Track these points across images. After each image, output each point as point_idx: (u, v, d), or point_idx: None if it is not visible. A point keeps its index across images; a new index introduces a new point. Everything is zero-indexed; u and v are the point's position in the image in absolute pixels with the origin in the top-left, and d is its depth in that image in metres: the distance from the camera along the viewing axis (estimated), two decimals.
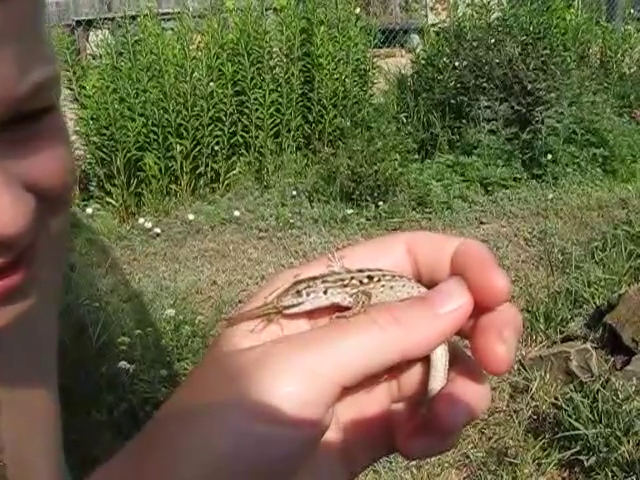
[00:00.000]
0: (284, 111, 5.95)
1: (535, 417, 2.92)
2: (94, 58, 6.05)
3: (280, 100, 5.93)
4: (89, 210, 5.42)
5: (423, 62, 6.67)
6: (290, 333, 0.42)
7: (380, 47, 7.55)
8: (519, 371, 3.15)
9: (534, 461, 2.63)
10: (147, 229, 5.15)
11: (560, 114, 5.66)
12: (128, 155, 5.39)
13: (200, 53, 5.63)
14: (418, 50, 6.87)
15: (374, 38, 6.68)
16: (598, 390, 2.75)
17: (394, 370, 0.44)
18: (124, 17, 5.57)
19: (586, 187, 5.43)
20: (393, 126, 5.87)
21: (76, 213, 5.39)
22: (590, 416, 2.65)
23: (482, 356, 0.41)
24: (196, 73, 5.58)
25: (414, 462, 2.61)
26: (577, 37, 7.14)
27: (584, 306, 3.55)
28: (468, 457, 2.71)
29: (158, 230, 5.15)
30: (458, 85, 6.10)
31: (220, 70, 5.69)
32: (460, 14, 6.71)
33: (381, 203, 5.18)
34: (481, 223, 5.03)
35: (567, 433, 2.66)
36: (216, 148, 5.71)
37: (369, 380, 0.42)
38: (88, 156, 5.63)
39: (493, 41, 6.04)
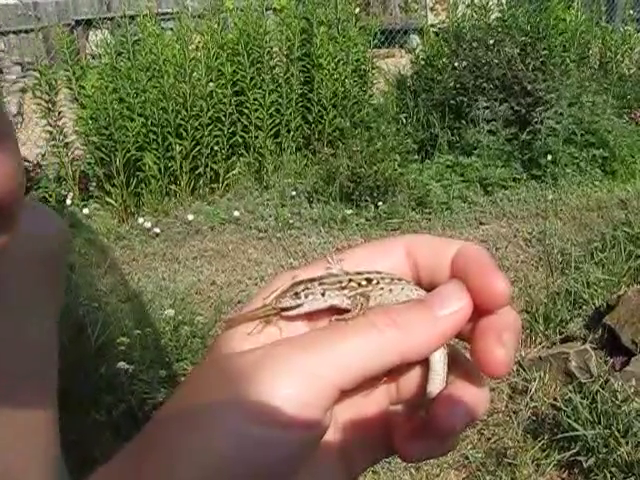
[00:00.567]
0: (284, 111, 5.95)
1: (534, 418, 2.91)
2: (93, 58, 6.05)
3: (280, 100, 5.93)
4: (88, 210, 5.42)
5: (423, 62, 6.68)
6: (289, 335, 0.43)
7: (380, 47, 7.56)
8: (518, 372, 3.15)
9: (533, 462, 2.63)
10: (146, 229, 5.15)
11: (560, 115, 5.66)
12: (127, 155, 5.39)
13: (199, 53, 5.63)
14: (418, 50, 6.87)
15: (374, 38, 6.68)
16: (597, 391, 2.75)
17: (393, 372, 0.44)
18: (123, 17, 5.57)
19: (585, 188, 5.44)
20: (393, 126, 5.88)
21: (75, 213, 5.39)
22: (589, 417, 2.65)
23: (481, 359, 0.41)
24: (195, 73, 5.58)
25: (413, 463, 2.61)
26: (577, 38, 7.14)
27: (583, 307, 3.55)
28: (467, 458, 2.71)
29: (157, 230, 5.15)
30: (458, 86, 6.11)
31: (220, 70, 5.69)
32: (460, 14, 6.71)
33: (381, 204, 5.18)
34: (480, 224, 5.04)
35: (566, 434, 2.66)
36: (215, 148, 5.71)
37: (368, 382, 0.42)
38: (87, 156, 5.63)
39: (492, 42, 6.04)
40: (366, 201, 5.24)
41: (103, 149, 5.41)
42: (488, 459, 2.70)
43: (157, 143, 5.46)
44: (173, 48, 5.61)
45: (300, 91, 6.03)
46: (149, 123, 5.42)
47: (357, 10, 6.63)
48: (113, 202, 5.44)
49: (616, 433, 2.52)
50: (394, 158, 5.37)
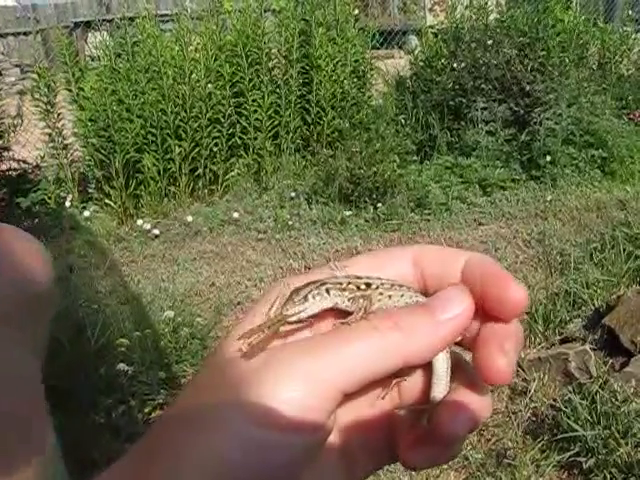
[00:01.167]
0: (283, 113, 5.95)
1: (534, 419, 2.91)
2: (92, 60, 6.04)
3: (279, 102, 5.93)
4: (87, 212, 5.42)
5: (421, 64, 6.68)
6: (292, 341, 0.43)
7: (378, 48, 7.56)
8: (518, 373, 3.14)
9: (533, 463, 2.63)
10: (146, 231, 5.15)
11: (558, 115, 5.66)
12: (126, 157, 5.39)
13: (198, 55, 5.63)
14: (416, 52, 6.87)
15: (372, 40, 6.69)
16: (597, 392, 2.75)
17: (396, 376, 0.45)
18: (122, 19, 5.57)
19: (584, 188, 5.44)
20: (392, 128, 5.87)
21: (75, 215, 5.39)
22: (589, 418, 2.65)
23: (483, 367, 0.42)
24: (194, 75, 5.58)
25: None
26: (575, 38, 7.14)
27: (583, 307, 3.55)
28: (467, 459, 2.71)
29: (157, 232, 5.15)
30: (456, 87, 6.11)
31: (218, 72, 5.69)
32: (458, 16, 6.71)
33: (380, 205, 5.18)
34: (480, 224, 5.04)
35: (566, 435, 2.66)
36: (215, 150, 5.71)
37: (371, 386, 0.42)
38: (86, 158, 5.62)
39: (491, 42, 6.04)
40: (365, 202, 5.24)
41: (102, 151, 5.41)
42: (488, 460, 2.70)
43: (156, 145, 5.46)
44: (172, 50, 5.61)
45: (299, 92, 6.03)
46: (148, 125, 5.42)
47: (356, 11, 6.63)
48: (112, 204, 5.44)
49: (616, 434, 2.52)
50: (393, 159, 5.37)
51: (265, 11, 6.08)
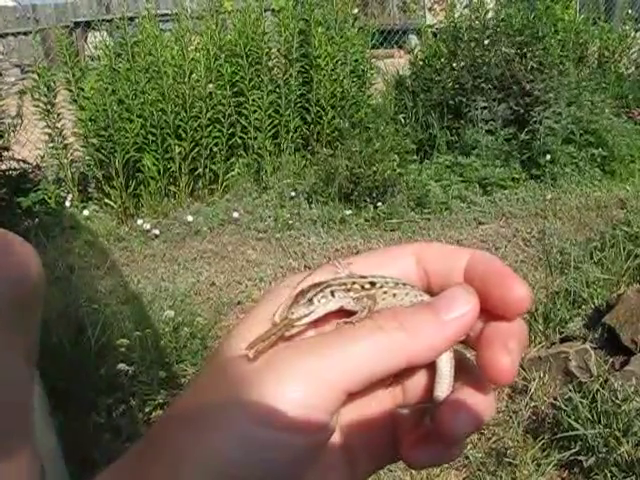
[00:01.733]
0: (282, 112, 5.95)
1: (534, 417, 2.91)
2: (92, 60, 6.04)
3: (278, 101, 5.93)
4: (88, 212, 5.42)
5: (421, 63, 6.68)
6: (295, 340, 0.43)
7: (378, 48, 7.56)
8: (518, 372, 3.14)
9: (533, 461, 2.63)
10: (146, 230, 5.15)
11: (558, 114, 5.66)
12: (127, 156, 5.39)
13: (198, 54, 5.62)
14: (416, 51, 6.87)
15: (372, 39, 6.69)
16: (597, 390, 2.75)
17: (400, 376, 0.45)
18: (122, 18, 5.56)
19: (584, 187, 5.44)
20: (391, 127, 5.87)
21: (75, 215, 5.39)
22: (589, 416, 2.65)
23: (486, 366, 0.42)
24: (194, 74, 5.58)
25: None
26: (575, 37, 7.14)
27: (583, 306, 3.55)
28: (467, 458, 2.71)
29: (157, 231, 5.15)
30: (456, 86, 6.11)
31: (218, 71, 5.69)
32: (458, 15, 6.70)
33: (380, 204, 5.18)
34: (480, 223, 5.04)
35: (566, 433, 2.66)
36: (215, 149, 5.71)
37: (375, 385, 0.42)
38: (87, 158, 5.62)
39: (490, 41, 6.04)
40: (365, 201, 5.24)
41: (102, 150, 5.41)
42: (488, 459, 2.70)
43: (156, 144, 5.46)
44: (172, 49, 5.61)
45: (299, 92, 6.03)
46: (148, 124, 5.42)
47: (355, 11, 6.62)
48: (112, 204, 5.44)
49: (616, 432, 2.52)
50: (393, 158, 5.36)
51: (265, 11, 6.08)
